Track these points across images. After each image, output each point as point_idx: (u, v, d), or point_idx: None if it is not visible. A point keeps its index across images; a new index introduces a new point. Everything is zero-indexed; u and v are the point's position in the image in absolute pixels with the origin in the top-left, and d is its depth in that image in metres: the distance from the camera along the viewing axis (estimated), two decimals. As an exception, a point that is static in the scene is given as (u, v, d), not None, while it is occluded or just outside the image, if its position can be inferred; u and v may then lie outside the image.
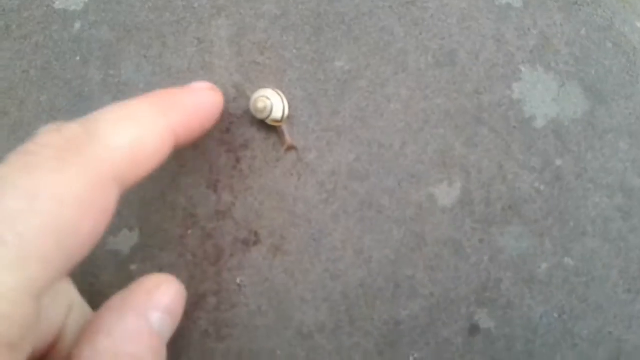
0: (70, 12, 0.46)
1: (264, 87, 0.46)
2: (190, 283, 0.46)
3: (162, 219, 0.47)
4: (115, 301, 0.35)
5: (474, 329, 0.46)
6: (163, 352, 0.34)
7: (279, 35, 0.48)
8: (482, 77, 0.48)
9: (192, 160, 0.43)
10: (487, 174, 0.47)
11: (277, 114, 0.45)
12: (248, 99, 0.46)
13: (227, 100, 0.47)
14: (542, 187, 0.46)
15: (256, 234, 0.47)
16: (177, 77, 0.47)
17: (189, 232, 0.47)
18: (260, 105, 0.44)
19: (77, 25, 0.46)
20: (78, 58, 0.45)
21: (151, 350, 0.33)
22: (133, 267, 0.47)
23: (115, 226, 0.46)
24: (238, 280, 0.47)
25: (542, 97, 0.48)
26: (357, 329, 0.46)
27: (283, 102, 0.45)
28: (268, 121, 0.45)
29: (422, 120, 0.48)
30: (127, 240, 0.48)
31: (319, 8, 0.49)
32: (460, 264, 0.46)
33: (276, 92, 0.45)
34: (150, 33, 0.49)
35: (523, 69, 0.48)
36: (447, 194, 0.47)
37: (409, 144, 0.47)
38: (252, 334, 0.46)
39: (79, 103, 0.45)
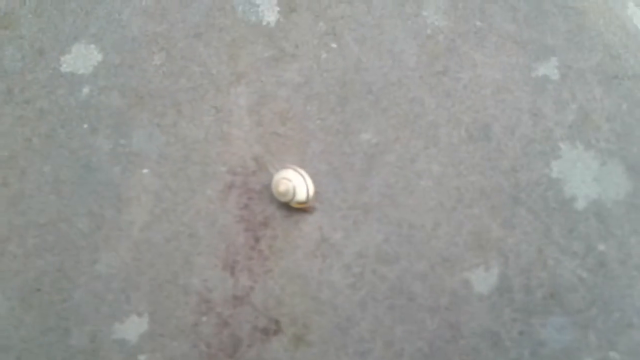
0: (78, 76, 0.44)
1: (285, 167, 0.45)
2: None
3: (174, 304, 0.45)
4: None
5: None
6: None
7: (302, 104, 0.48)
8: (519, 154, 0.47)
9: (207, 239, 0.43)
10: (526, 258, 0.45)
11: (301, 195, 0.44)
12: (269, 172, 0.46)
13: (246, 174, 0.46)
14: (584, 274, 0.45)
15: (277, 322, 0.45)
16: (192, 148, 0.47)
17: (204, 319, 0.45)
18: (282, 188, 0.43)
19: (86, 90, 0.44)
20: (86, 126, 0.43)
21: None
22: (142, 358, 0.45)
23: (122, 311, 0.44)
24: None
25: (583, 176, 0.46)
26: None
27: (306, 181, 0.44)
28: (292, 204, 0.44)
29: (455, 199, 0.46)
30: (135, 328, 0.45)
31: (345, 77, 0.48)
32: (499, 358, 0.44)
33: (298, 172, 0.44)
34: (164, 100, 0.48)
35: (562, 145, 0.47)
36: (483, 279, 0.45)
37: (442, 225, 0.46)
38: None
39: (85, 174, 0.42)
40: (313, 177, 0.45)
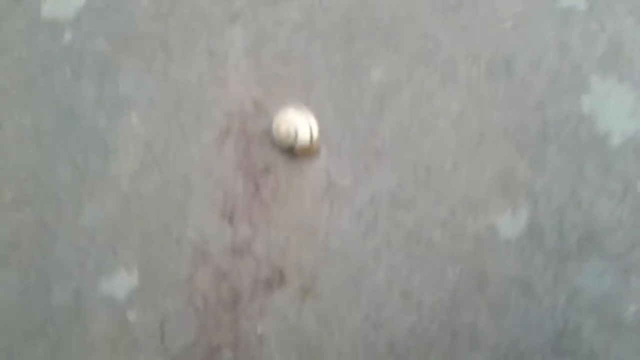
0: (59, 22, 0.48)
1: (285, 108, 0.49)
2: (201, 334, 0.47)
3: (167, 257, 0.48)
4: None
5: (552, 389, 0.47)
6: None
7: (304, 44, 0.52)
8: (545, 89, 0.50)
9: (202, 188, 0.47)
10: (558, 200, 0.48)
11: (304, 136, 0.48)
12: (269, 116, 0.50)
13: (244, 119, 0.50)
14: (623, 215, 0.48)
15: (281, 273, 0.48)
16: (185, 93, 0.52)
17: (199, 272, 0.48)
18: (283, 129, 0.48)
19: (68, 35, 0.47)
20: (68, 73, 0.47)
21: None
22: (131, 315, 0.48)
23: (108, 266, 0.48)
24: (259, 330, 0.47)
25: (617, 111, 0.50)
26: (407, 391, 0.47)
27: (309, 121, 0.49)
28: (295, 149, 0.49)
29: (476, 139, 0.50)
30: (123, 283, 0.48)
31: (349, 14, 0.52)
32: (531, 307, 0.47)
33: (300, 112, 0.49)
34: (152, 44, 0.53)
35: (592, 79, 0.50)
36: (510, 224, 0.48)
37: (463, 166, 0.49)
38: (277, 398, 0.47)
39: (68, 124, 0.45)
40: (319, 120, 0.49)
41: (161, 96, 0.53)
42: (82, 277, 0.46)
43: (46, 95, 0.53)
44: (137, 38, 0.54)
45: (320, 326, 0.46)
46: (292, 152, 0.49)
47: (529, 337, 0.47)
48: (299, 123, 0.48)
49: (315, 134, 0.48)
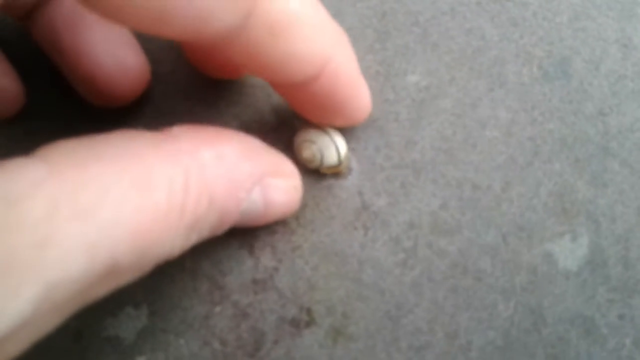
0: None
1: (306, 125, 0.45)
2: None
3: (180, 292, 0.44)
4: None
5: None
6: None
7: None
8: (607, 94, 0.47)
9: None
10: (623, 223, 0.45)
11: (331, 159, 0.45)
12: (293, 127, 0.46)
13: (265, 131, 0.47)
14: None
15: (309, 311, 0.44)
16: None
17: (217, 309, 0.44)
18: (306, 154, 0.45)
19: None
20: None
21: None
22: (140, 359, 0.43)
23: (114, 303, 0.44)
24: None
25: None
26: None
27: (334, 140, 0.45)
28: (323, 170, 0.46)
29: (529, 152, 0.47)
30: (131, 322, 0.44)
31: (384, 6, 0.49)
32: (594, 349, 0.43)
33: (322, 130, 0.45)
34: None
35: None
36: (570, 252, 0.45)
37: (514, 185, 0.46)
38: None
39: None
40: (348, 132, 0.46)
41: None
42: (84, 316, 0.41)
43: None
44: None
45: (355, 372, 0.47)
46: (319, 172, 0.47)
47: (592, 384, 0.50)
48: (323, 144, 0.48)
49: (344, 151, 0.48)
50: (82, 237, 0.27)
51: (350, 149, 0.47)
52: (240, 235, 0.47)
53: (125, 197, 0.30)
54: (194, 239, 0.35)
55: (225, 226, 0.38)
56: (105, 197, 0.29)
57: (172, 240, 0.33)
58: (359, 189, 0.46)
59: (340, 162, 0.46)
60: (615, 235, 0.45)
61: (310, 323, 0.45)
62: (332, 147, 0.45)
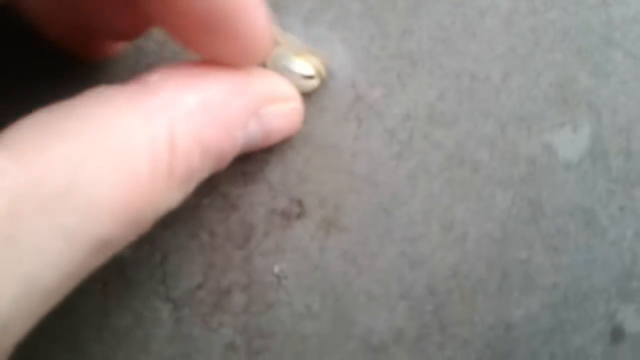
0: None
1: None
2: (208, 274, 0.42)
3: None
4: None
5: (617, 334, 0.43)
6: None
7: None
8: None
9: None
10: (625, 114, 0.45)
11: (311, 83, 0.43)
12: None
13: None
14: None
15: (300, 203, 0.43)
16: None
17: (205, 201, 0.43)
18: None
19: None
20: None
21: None
22: (126, 251, 0.42)
23: None
24: (276, 270, 0.42)
25: None
26: (450, 338, 0.43)
27: (312, 62, 0.42)
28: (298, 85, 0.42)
29: (530, 42, 0.45)
30: None
31: None
32: (594, 241, 0.44)
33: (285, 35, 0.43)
34: None
35: None
36: (570, 143, 0.44)
37: (514, 75, 0.45)
38: (298, 346, 0.42)
39: None
40: (341, 21, 0.43)
41: None
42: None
43: None
44: None
45: (347, 264, 0.43)
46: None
47: (590, 277, 0.44)
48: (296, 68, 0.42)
49: (323, 70, 0.43)
50: (56, 227, 0.26)
51: (345, 38, 0.44)
52: (229, 125, 0.48)
53: (100, 174, 0.27)
54: (193, 185, 0.34)
55: (225, 163, 0.37)
56: (77, 178, 0.27)
57: (166, 199, 0.31)
58: (352, 80, 0.45)
59: (319, 75, 0.43)
60: (617, 126, 0.45)
61: (301, 215, 0.44)
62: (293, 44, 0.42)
